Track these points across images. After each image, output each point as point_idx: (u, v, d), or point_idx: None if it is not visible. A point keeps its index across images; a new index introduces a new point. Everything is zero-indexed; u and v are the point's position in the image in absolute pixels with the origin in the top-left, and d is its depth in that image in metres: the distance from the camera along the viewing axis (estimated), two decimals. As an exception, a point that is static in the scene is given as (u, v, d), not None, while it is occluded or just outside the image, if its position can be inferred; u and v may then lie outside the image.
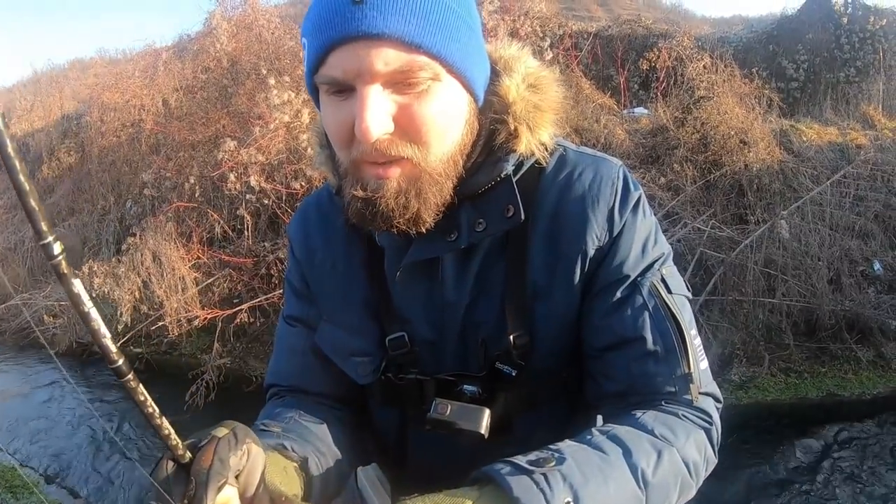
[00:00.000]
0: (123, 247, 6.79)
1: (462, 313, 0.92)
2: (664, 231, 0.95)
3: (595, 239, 0.88)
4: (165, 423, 0.58)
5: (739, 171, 6.46)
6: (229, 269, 6.24)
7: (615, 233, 0.88)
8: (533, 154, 0.88)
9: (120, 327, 6.43)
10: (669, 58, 7.94)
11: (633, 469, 0.73)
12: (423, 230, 0.83)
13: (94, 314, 0.50)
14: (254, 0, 8.32)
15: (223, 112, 7.12)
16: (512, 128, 0.86)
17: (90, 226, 9.62)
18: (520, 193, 0.85)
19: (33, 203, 0.45)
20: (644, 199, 0.92)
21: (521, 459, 0.70)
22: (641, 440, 0.77)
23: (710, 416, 0.85)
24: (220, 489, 0.59)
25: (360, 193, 0.80)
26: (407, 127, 0.77)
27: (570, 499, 0.66)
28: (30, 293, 8.80)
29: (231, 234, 6.77)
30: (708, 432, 0.84)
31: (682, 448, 0.79)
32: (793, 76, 8.79)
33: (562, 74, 0.97)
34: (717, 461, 0.86)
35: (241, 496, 0.64)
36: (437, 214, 0.83)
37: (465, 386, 0.91)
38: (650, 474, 0.74)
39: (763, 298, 5.56)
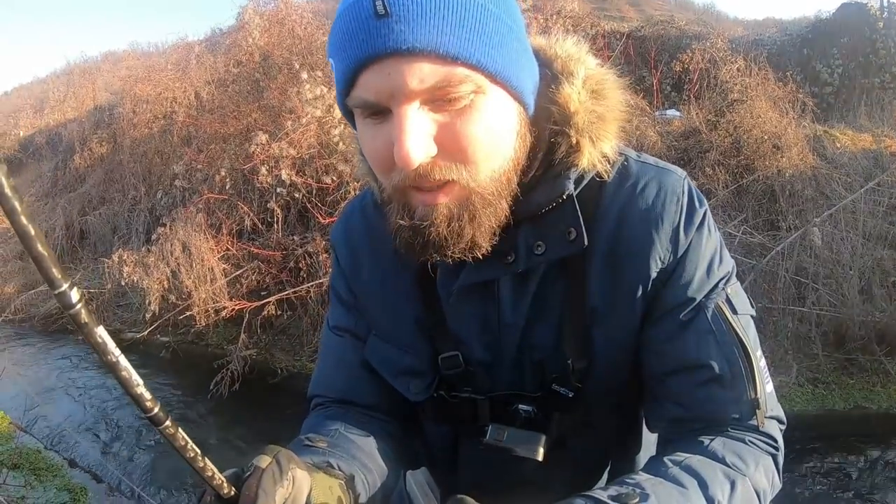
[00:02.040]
0: (153, 236, 6.89)
1: (519, 335, 0.88)
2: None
3: (659, 261, 0.83)
4: (208, 463, 0.55)
5: (772, 176, 6.37)
6: (258, 261, 6.31)
7: (680, 253, 0.83)
8: (594, 167, 0.82)
9: (148, 316, 6.53)
10: (702, 60, 7.84)
11: (710, 502, 0.71)
12: (480, 255, 0.77)
13: (123, 361, 0.45)
14: (286, -5, 8.38)
15: (255, 106, 7.17)
16: (574, 141, 0.79)
17: (121, 215, 9.81)
18: (581, 211, 0.80)
19: (41, 248, 0.38)
20: (709, 215, 0.87)
21: (601, 494, 0.68)
22: (715, 471, 0.75)
23: (776, 442, 0.83)
24: None
25: (406, 223, 0.75)
26: (451, 147, 0.70)
27: None
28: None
29: (260, 226, 6.83)
30: (775, 458, 0.82)
31: (753, 476, 0.77)
32: (827, 81, 8.61)
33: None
34: (781, 485, 0.84)
35: None
36: (493, 238, 0.77)
37: (520, 406, 0.89)
38: None
39: (793, 307, 5.49)
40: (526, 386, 0.90)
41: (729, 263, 0.87)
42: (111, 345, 0.44)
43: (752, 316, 0.87)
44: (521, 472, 0.87)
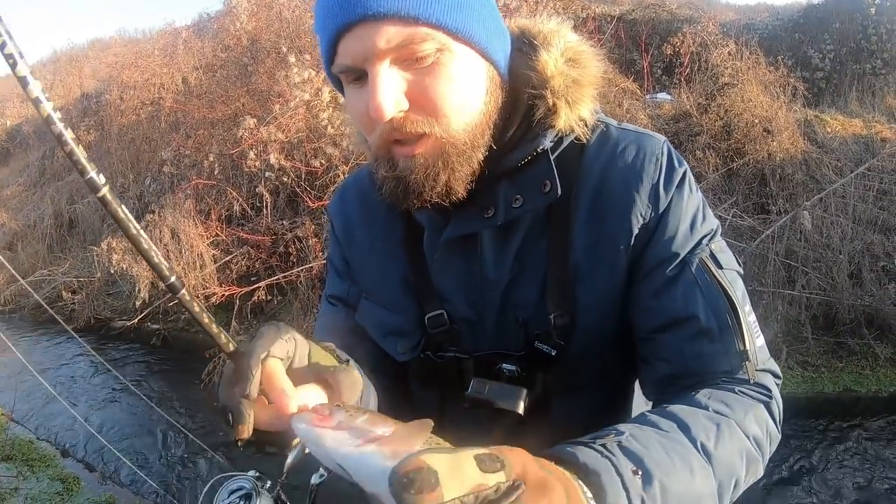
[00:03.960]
0: (142, 223, 6.84)
1: (501, 292, 0.91)
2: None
3: (640, 218, 0.85)
4: (222, 330, 0.65)
5: (762, 160, 6.38)
6: (247, 246, 6.29)
7: (661, 210, 0.85)
8: (573, 130, 0.86)
9: (138, 303, 6.51)
10: (694, 43, 7.82)
11: (693, 442, 0.69)
12: (457, 199, 0.82)
13: (144, 234, 0.55)
14: (274, -21, 8.28)
15: (243, 90, 7.14)
16: (550, 103, 0.84)
17: (109, 203, 9.71)
18: (560, 170, 0.84)
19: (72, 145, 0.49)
20: (690, 175, 0.89)
21: (581, 439, 0.67)
22: (697, 415, 0.73)
23: (769, 390, 0.81)
24: (263, 360, 0.63)
25: (390, 174, 0.81)
26: (421, 102, 0.76)
27: (634, 467, 0.61)
28: (49, 269, 8.91)
29: (250, 211, 6.81)
30: (767, 405, 0.80)
31: (742, 421, 0.74)
32: (818, 66, 8.61)
33: None
34: (780, 437, 0.81)
35: (288, 370, 0.66)
36: (469, 185, 0.82)
37: (504, 365, 0.91)
38: (711, 447, 0.69)
39: (783, 290, 5.51)
40: (510, 345, 0.92)
41: (713, 222, 0.89)
42: (132, 220, 0.53)
43: (739, 273, 0.87)
44: (506, 436, 0.85)
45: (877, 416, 4.72)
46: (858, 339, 5.39)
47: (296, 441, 0.67)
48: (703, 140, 6.59)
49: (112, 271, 6.86)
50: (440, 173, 0.79)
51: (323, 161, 5.67)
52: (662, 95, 7.74)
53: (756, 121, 6.53)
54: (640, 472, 0.61)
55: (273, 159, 5.60)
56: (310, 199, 5.89)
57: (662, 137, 0.91)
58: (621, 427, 0.69)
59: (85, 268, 8.49)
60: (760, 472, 0.77)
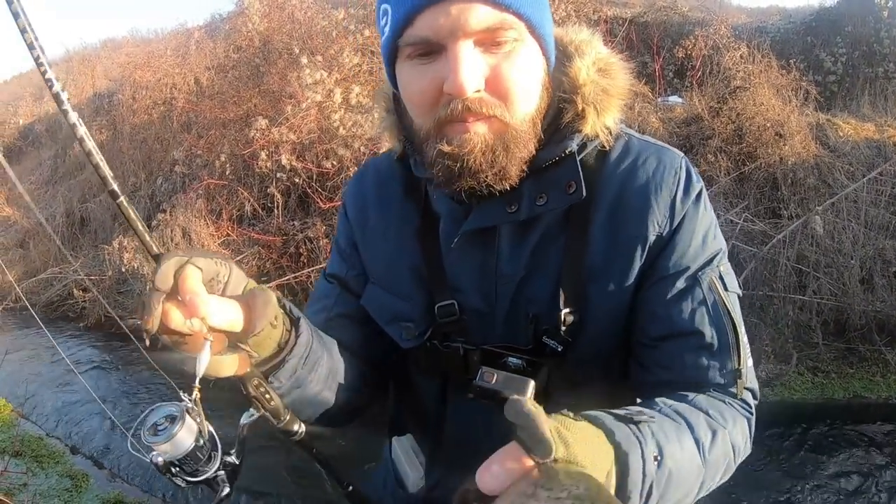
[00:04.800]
0: (153, 223, 6.90)
1: (515, 286, 0.93)
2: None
3: (656, 226, 0.89)
4: (147, 232, 0.70)
5: (774, 164, 6.34)
6: (258, 246, 6.31)
7: (676, 222, 0.90)
8: (597, 136, 0.90)
9: (149, 301, 6.51)
10: (705, 46, 7.77)
11: (697, 443, 0.76)
12: (509, 185, 0.85)
13: (89, 137, 0.64)
14: (286, -20, 8.30)
15: (255, 91, 7.18)
16: (579, 108, 0.88)
17: (120, 202, 9.75)
18: (583, 173, 0.88)
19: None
20: (705, 193, 0.94)
21: (614, 412, 0.71)
22: (699, 418, 0.80)
23: (751, 408, 0.90)
24: (179, 265, 0.67)
25: (446, 149, 0.82)
26: (496, 86, 0.80)
27: (657, 453, 0.68)
28: (60, 267, 8.97)
29: (261, 212, 6.84)
30: (749, 421, 0.88)
31: (731, 431, 0.82)
32: (830, 69, 8.53)
33: None
34: (750, 451, 0.90)
35: (211, 288, 0.70)
36: (522, 173, 0.86)
37: (510, 358, 0.93)
38: (707, 451, 0.77)
39: (793, 295, 5.47)
40: (518, 339, 0.94)
41: (722, 242, 0.95)
42: (82, 126, 0.61)
43: (738, 295, 0.93)
44: (507, 428, 0.89)
45: (887, 422, 4.69)
46: (869, 345, 5.36)
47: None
48: (715, 144, 6.55)
49: (123, 270, 6.90)
50: (500, 156, 0.82)
51: (334, 162, 5.69)
52: (674, 98, 7.71)
53: (768, 124, 6.49)
54: (659, 459, 0.67)
55: (284, 160, 5.63)
56: (321, 200, 5.92)
57: (681, 153, 0.96)
58: (647, 410, 0.75)
59: (96, 266, 8.53)
60: (726, 480, 0.85)
